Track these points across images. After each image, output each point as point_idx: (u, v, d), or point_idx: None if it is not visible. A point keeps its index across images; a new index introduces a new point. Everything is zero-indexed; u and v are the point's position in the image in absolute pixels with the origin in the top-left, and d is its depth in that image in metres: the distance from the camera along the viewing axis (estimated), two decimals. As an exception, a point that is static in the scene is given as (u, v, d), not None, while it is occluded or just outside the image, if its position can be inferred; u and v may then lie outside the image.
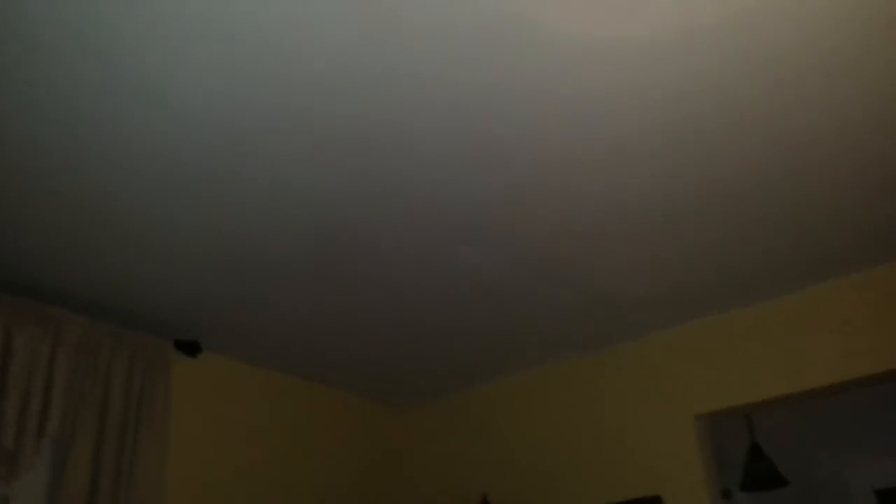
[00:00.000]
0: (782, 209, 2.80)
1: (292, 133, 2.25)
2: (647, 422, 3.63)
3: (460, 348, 3.82)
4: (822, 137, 2.42)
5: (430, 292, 3.25)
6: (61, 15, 1.80)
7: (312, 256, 2.92)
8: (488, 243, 2.89)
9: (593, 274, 3.17)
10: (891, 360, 3.15)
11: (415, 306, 3.37)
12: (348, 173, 2.45)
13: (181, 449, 3.29)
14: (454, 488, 4.09)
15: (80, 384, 2.94)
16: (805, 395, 3.40)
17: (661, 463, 3.54)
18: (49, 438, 2.81)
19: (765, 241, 3.01)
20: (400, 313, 3.43)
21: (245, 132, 2.23)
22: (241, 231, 2.73)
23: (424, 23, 1.88)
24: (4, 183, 2.36)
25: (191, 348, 3.41)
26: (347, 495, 4.05)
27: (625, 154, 2.43)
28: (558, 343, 3.81)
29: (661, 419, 3.60)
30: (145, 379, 3.14)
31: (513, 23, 1.90)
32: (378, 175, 2.47)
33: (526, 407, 4.07)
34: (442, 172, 2.46)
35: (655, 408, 3.63)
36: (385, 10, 1.84)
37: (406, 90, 2.10)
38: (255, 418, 3.75)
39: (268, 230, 2.73)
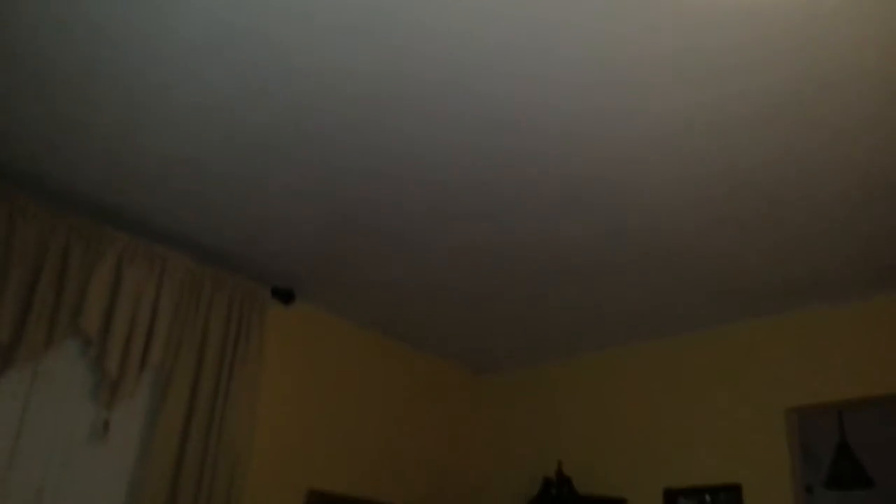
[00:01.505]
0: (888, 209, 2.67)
1: (422, 104, 2.27)
2: (735, 410, 3.55)
3: (549, 321, 3.81)
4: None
5: (525, 265, 3.25)
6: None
7: (419, 224, 2.96)
8: (585, 217, 2.85)
9: (694, 257, 3.10)
10: None
11: (508, 278, 3.38)
12: (470, 148, 2.47)
13: (269, 390, 3.40)
14: (530, 455, 4.10)
15: (182, 321, 3.07)
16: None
17: (746, 452, 3.46)
18: (150, 369, 2.95)
19: (873, 236, 2.89)
20: (492, 284, 3.44)
21: (371, 100, 2.26)
22: (351, 194, 2.78)
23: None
24: (123, 124, 2.45)
25: (286, 296, 3.50)
26: (424, 454, 4.12)
27: (751, 121, 2.34)
28: (649, 322, 3.75)
29: (751, 409, 3.51)
30: (242, 321, 3.25)
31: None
32: (491, 151, 2.48)
33: (610, 383, 4.03)
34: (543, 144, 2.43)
35: (746, 397, 3.54)
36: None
37: (536, 68, 2.10)
38: (342, 369, 3.84)
39: (380, 194, 2.77)
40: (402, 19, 1.97)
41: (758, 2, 1.88)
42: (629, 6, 1.90)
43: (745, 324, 3.66)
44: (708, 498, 3.49)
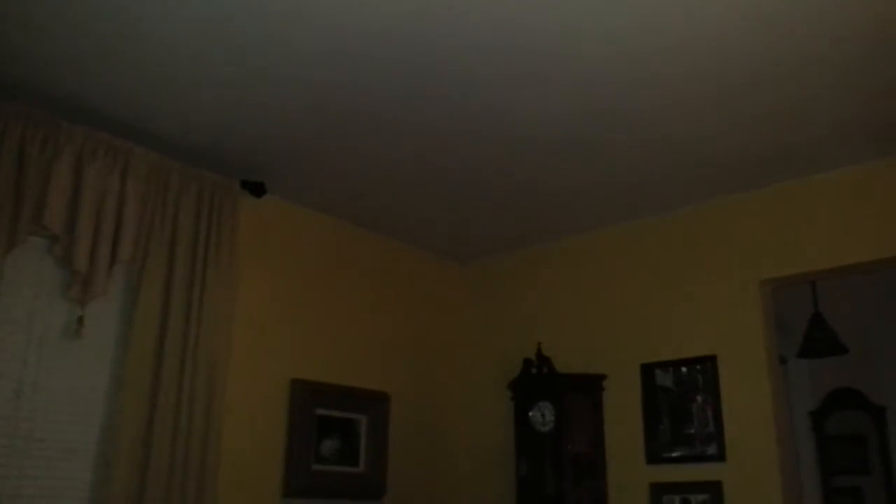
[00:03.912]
0: (864, 75, 2.63)
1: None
2: (710, 284, 3.59)
3: (526, 205, 3.78)
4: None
5: (501, 146, 3.19)
6: None
7: (397, 106, 2.88)
8: (560, 94, 2.78)
9: (670, 130, 3.06)
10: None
11: (485, 161, 3.33)
12: (445, 22, 2.37)
13: (246, 284, 3.39)
14: (512, 340, 4.15)
15: (150, 216, 3.02)
16: (872, 265, 3.31)
17: (721, 326, 3.52)
18: (121, 264, 2.91)
19: (842, 108, 2.86)
20: (469, 168, 3.39)
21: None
22: (324, 78, 2.69)
23: None
24: (79, 14, 2.32)
25: (256, 189, 3.44)
26: (406, 342, 4.17)
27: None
28: (624, 203, 3.73)
29: (726, 282, 3.55)
30: (213, 214, 3.21)
31: None
32: (464, 25, 2.38)
33: (588, 266, 4.06)
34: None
35: (720, 271, 3.58)
36: None
37: None
38: (319, 262, 3.82)
39: (356, 77, 2.68)
40: None
41: None
42: None
43: (719, 200, 3.65)
44: (684, 370, 3.57)
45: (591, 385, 3.78)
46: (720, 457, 3.38)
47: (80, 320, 2.82)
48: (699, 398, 3.51)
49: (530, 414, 3.80)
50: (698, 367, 3.54)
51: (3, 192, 2.60)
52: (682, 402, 3.55)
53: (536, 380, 3.86)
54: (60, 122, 2.80)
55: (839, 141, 3.12)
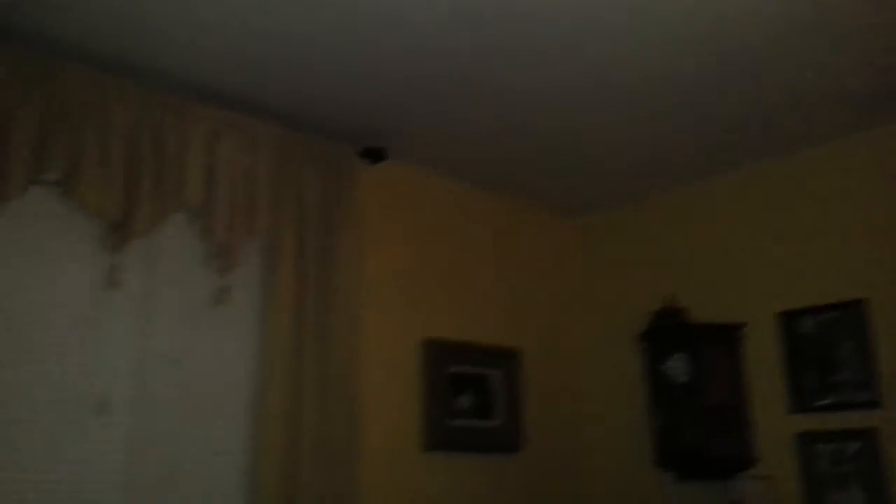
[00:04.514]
0: None
1: None
2: (855, 226, 3.37)
3: (644, 154, 3.67)
4: None
5: (610, 96, 3.11)
6: None
7: (508, 72, 2.89)
8: (684, 41, 2.67)
9: (795, 69, 2.87)
10: None
11: (596, 119, 3.27)
12: None
13: (374, 249, 3.48)
14: (642, 292, 4.06)
15: (280, 188, 3.15)
16: None
17: (871, 268, 3.31)
18: (258, 235, 3.06)
19: None
20: (582, 127, 3.35)
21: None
22: (437, 46, 2.72)
23: None
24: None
25: (376, 155, 3.51)
26: (533, 300, 4.17)
27: None
28: (753, 144, 3.55)
29: (870, 221, 3.32)
30: (336, 182, 3.31)
31: None
32: None
33: (715, 212, 3.91)
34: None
35: (867, 210, 3.35)
36: None
37: None
38: (441, 223, 3.87)
39: (468, 44, 2.69)
40: None
41: None
42: None
43: (864, 132, 3.40)
44: (829, 315, 3.39)
45: (728, 334, 3.66)
46: (874, 403, 3.20)
47: (226, 289, 3.00)
48: (847, 344, 3.32)
49: (665, 365, 3.72)
50: (845, 311, 3.34)
51: (147, 171, 2.77)
52: (827, 349, 3.38)
53: (670, 330, 3.77)
54: (191, 105, 2.95)
55: None
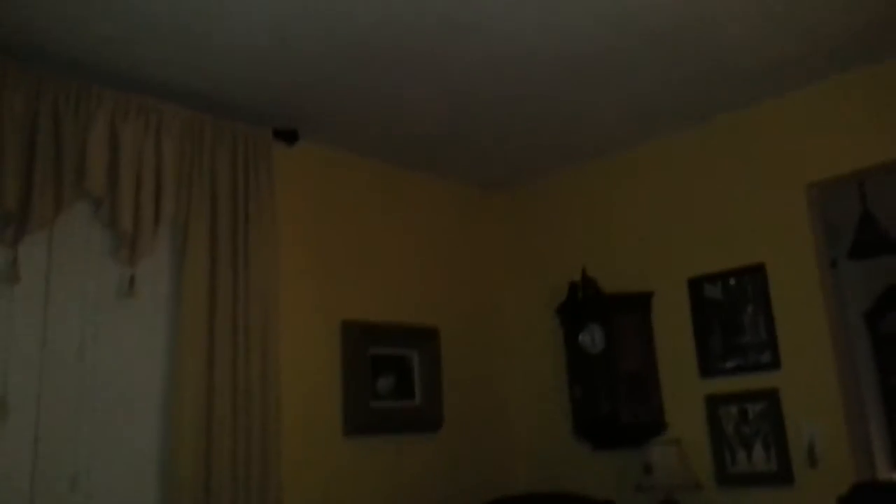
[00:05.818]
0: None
1: None
2: (754, 192, 3.52)
3: (557, 127, 3.72)
4: None
5: (526, 68, 3.12)
6: None
7: (420, 39, 2.84)
8: (589, 4, 2.70)
9: (700, 43, 2.96)
10: None
11: (512, 84, 3.26)
12: None
13: (289, 230, 3.42)
14: (554, 265, 4.15)
15: (188, 172, 3.04)
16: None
17: (768, 233, 3.47)
18: (166, 222, 2.96)
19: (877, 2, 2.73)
20: (497, 92, 3.33)
21: None
22: (346, 15, 2.65)
23: None
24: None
25: (289, 136, 3.44)
26: (449, 277, 4.19)
27: None
28: (660, 117, 3.65)
29: (770, 188, 3.48)
30: (248, 165, 3.23)
31: None
32: None
33: (626, 184, 4.01)
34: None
35: (764, 177, 3.50)
36: None
37: None
38: (356, 202, 3.83)
39: (387, 12, 2.64)
40: None
41: None
42: None
43: (758, 106, 3.55)
44: (732, 281, 3.54)
45: (638, 303, 3.78)
46: (775, 364, 3.37)
47: (132, 280, 2.89)
48: (750, 308, 3.48)
49: (580, 337, 3.82)
50: (747, 276, 3.50)
51: (43, 160, 2.63)
52: (732, 314, 3.53)
53: (583, 303, 3.86)
54: (91, 87, 2.81)
55: (877, 34, 2.99)
